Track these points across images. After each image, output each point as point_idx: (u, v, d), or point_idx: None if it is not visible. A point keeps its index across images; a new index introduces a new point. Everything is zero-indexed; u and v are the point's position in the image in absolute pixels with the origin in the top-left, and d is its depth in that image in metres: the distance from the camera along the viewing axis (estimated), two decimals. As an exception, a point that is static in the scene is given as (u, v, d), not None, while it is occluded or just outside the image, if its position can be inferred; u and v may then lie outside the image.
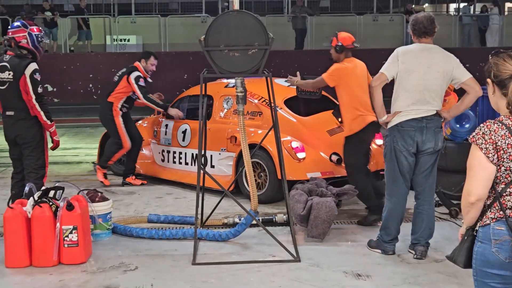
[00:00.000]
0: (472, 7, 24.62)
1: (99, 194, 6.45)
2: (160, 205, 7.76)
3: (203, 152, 6.46)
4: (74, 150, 11.63)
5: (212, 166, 8.38)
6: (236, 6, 5.82)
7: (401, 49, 5.79)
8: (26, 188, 5.94)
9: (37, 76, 6.38)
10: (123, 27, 21.77)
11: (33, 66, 6.39)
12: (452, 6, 31.80)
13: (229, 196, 6.37)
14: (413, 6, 24.37)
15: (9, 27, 6.77)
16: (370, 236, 6.36)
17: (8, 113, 6.50)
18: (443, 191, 7.10)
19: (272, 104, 6.17)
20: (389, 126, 5.74)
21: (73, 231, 5.62)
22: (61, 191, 5.80)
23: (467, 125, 7.67)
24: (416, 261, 5.67)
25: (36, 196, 5.69)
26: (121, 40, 21.49)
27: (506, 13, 28.53)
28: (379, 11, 25.40)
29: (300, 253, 5.77)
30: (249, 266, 5.61)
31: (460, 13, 23.81)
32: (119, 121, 8.84)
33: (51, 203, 5.67)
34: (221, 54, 5.67)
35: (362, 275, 5.35)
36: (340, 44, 6.79)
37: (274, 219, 6.77)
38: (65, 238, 5.63)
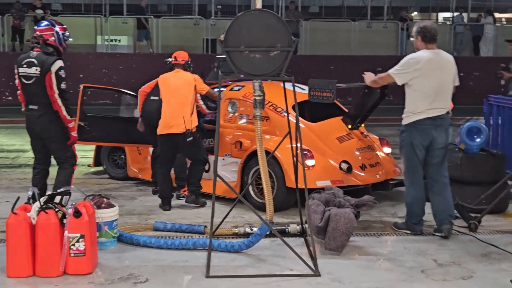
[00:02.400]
0: (466, 16, 24.54)
1: (105, 200, 6.12)
2: (164, 212, 7.43)
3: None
4: (68, 152, 11.24)
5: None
6: (259, 5, 5.53)
7: (414, 58, 6.32)
8: (29, 193, 5.60)
9: (62, 73, 6.70)
10: (114, 28, 21.40)
11: (59, 63, 6.71)
12: (441, 15, 31.81)
13: (244, 203, 6.07)
14: (407, 14, 24.24)
15: (36, 26, 7.12)
16: (390, 249, 6.13)
17: (31, 107, 6.78)
18: (461, 203, 6.85)
19: (292, 110, 5.89)
20: (406, 122, 6.37)
21: (80, 240, 5.28)
22: (68, 196, 5.47)
23: (478, 139, 7.48)
24: (442, 278, 5.39)
25: (41, 201, 5.35)
26: (112, 40, 21.11)
27: (504, 22, 28.61)
28: (370, 18, 25.25)
29: (318, 267, 5.47)
30: (267, 280, 5.30)
31: (454, 22, 23.68)
32: None
33: (57, 209, 5.33)
34: (241, 55, 5.38)
35: (388, 292, 5.07)
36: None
37: (287, 229, 6.46)
38: (72, 247, 5.28)
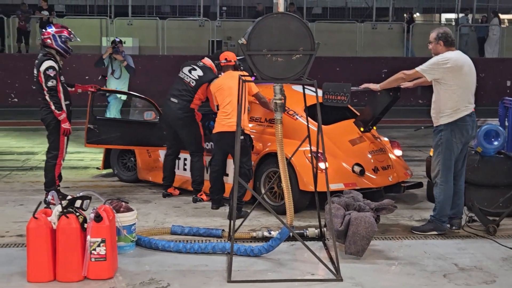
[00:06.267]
0: (470, 17, 24.50)
1: (123, 204, 6.09)
2: (180, 215, 7.40)
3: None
4: (78, 154, 11.20)
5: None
6: (281, 8, 5.49)
7: (443, 57, 6.55)
8: (49, 197, 5.57)
9: (50, 72, 7.52)
10: (119, 29, 21.36)
11: (47, 63, 7.57)
12: (444, 16, 31.78)
13: (265, 206, 6.03)
14: (414, 15, 24.22)
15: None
16: (410, 253, 6.08)
17: (39, 99, 7.74)
18: (479, 206, 6.82)
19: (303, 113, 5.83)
20: (446, 122, 6.52)
21: (101, 244, 5.26)
22: (88, 201, 5.43)
23: (496, 142, 7.45)
24: (465, 282, 5.36)
25: (62, 205, 5.31)
26: (117, 42, 21.04)
27: (507, 24, 28.52)
28: (370, 19, 25.21)
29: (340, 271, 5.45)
30: (288, 285, 5.28)
31: (459, 23, 23.64)
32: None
33: (78, 214, 5.30)
34: (264, 58, 5.33)
35: (412, 297, 5.04)
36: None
37: (305, 233, 6.43)
38: (92, 252, 5.26)
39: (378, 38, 22.56)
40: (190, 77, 8.04)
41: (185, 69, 8.13)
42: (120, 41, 11.40)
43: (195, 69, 8.09)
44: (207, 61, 8.20)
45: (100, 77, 11.08)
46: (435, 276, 5.51)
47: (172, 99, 8.06)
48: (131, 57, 11.41)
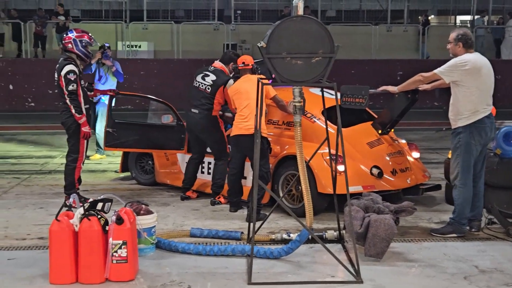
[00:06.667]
0: (486, 19, 24.37)
1: (143, 206, 6.13)
2: (198, 218, 7.44)
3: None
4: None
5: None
6: (300, 11, 5.50)
7: (461, 60, 6.52)
8: (70, 200, 5.62)
9: (71, 76, 7.60)
10: (134, 33, 21.48)
11: (68, 67, 7.63)
12: (459, 18, 31.62)
13: (285, 208, 6.08)
14: (429, 17, 24.10)
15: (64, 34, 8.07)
16: (429, 255, 6.07)
17: (57, 103, 7.84)
18: (498, 209, 6.79)
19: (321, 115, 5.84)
20: (464, 124, 6.51)
21: (123, 247, 5.29)
22: (110, 203, 5.47)
23: None
24: (486, 284, 5.34)
25: (84, 208, 5.36)
26: (132, 46, 21.18)
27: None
28: (384, 22, 25.14)
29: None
30: (308, 287, 5.29)
31: (475, 25, 23.53)
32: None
33: (99, 216, 5.34)
34: (283, 61, 5.35)
35: (433, 299, 5.03)
36: None
37: (324, 235, 6.44)
38: (114, 254, 5.30)
39: (393, 40, 22.51)
40: (204, 84, 8.12)
41: (198, 77, 8.23)
42: (109, 47, 11.24)
43: (207, 75, 8.18)
44: (217, 64, 8.29)
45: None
46: (455, 278, 5.50)
47: (193, 110, 8.15)
48: (119, 63, 11.27)
